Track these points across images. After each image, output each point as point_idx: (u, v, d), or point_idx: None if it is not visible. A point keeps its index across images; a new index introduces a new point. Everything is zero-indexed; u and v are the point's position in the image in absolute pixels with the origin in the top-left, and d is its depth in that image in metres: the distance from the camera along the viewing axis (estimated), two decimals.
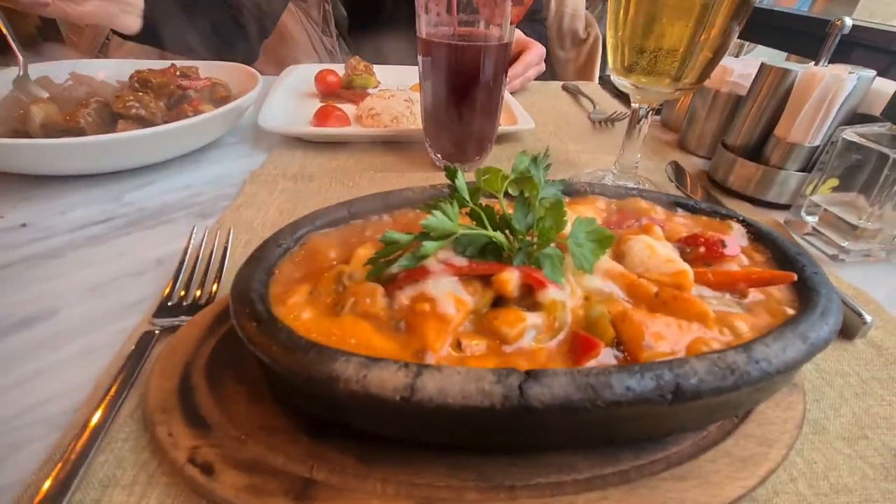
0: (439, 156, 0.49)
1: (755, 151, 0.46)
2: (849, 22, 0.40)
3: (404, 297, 0.21)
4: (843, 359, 0.28)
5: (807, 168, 0.43)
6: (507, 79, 0.73)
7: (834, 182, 0.39)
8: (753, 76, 0.48)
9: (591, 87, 0.83)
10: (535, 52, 0.74)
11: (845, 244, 0.37)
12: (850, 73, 0.39)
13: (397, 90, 0.60)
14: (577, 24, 1.24)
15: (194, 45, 0.75)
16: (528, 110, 0.62)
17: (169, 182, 0.46)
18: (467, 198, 0.24)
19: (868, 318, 0.29)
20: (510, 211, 0.25)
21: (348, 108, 0.63)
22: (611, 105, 0.73)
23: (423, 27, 0.42)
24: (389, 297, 0.22)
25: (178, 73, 0.54)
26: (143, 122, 0.44)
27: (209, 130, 0.48)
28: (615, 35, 0.39)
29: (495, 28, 0.41)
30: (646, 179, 0.49)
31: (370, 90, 0.68)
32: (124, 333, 0.28)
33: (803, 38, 0.62)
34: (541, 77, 0.86)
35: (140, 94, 0.46)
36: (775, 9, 0.68)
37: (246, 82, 0.57)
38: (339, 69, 0.72)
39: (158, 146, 0.44)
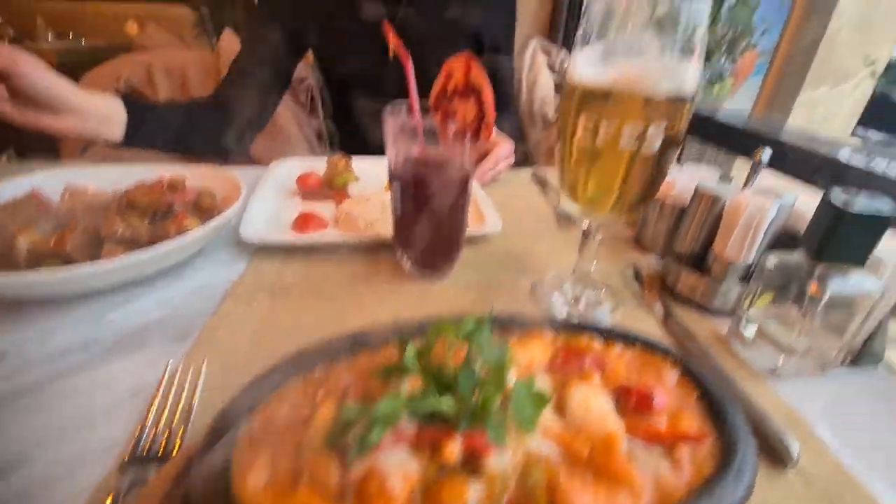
0: (409, 267, 0.53)
1: (700, 260, 0.50)
2: (767, 153, 0.46)
3: (355, 470, 0.23)
4: (774, 490, 0.30)
5: (746, 279, 0.47)
6: (478, 174, 0.79)
7: (769, 296, 0.43)
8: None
9: None
10: (505, 147, 0.81)
11: (780, 360, 0.40)
12: (774, 198, 0.44)
13: (373, 193, 0.64)
14: (546, 109, 1.34)
15: (184, 147, 0.80)
16: (498, 205, 0.67)
17: (151, 298, 0.48)
18: (415, 369, 0.26)
19: (795, 452, 0.31)
20: (462, 360, 0.27)
21: (328, 207, 0.67)
22: None
23: (391, 157, 0.46)
24: (343, 468, 0.24)
25: (166, 186, 0.58)
26: (128, 244, 0.47)
27: (192, 247, 0.50)
28: (560, 164, 0.43)
29: (458, 162, 0.45)
30: (603, 285, 0.53)
31: (350, 185, 0.73)
32: (99, 477, 0.29)
33: (741, 142, 0.69)
34: (518, 154, 0.92)
35: (126, 214, 0.49)
36: (714, 117, 0.75)
37: (231, 189, 0.61)
38: (322, 163, 0.77)
39: (142, 268, 0.47)
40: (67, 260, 0.44)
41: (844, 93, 4.12)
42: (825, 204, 0.36)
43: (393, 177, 0.48)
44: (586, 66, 0.38)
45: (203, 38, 1.87)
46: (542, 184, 0.85)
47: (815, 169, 0.61)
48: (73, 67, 2.86)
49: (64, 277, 0.41)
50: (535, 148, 1.41)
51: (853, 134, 4.55)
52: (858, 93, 4.09)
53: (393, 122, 0.46)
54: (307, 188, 0.69)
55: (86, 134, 0.61)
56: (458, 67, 0.42)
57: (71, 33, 3.11)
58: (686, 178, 0.58)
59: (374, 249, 0.58)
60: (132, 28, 3.56)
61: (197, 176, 0.63)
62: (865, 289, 0.37)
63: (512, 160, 0.83)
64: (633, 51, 0.37)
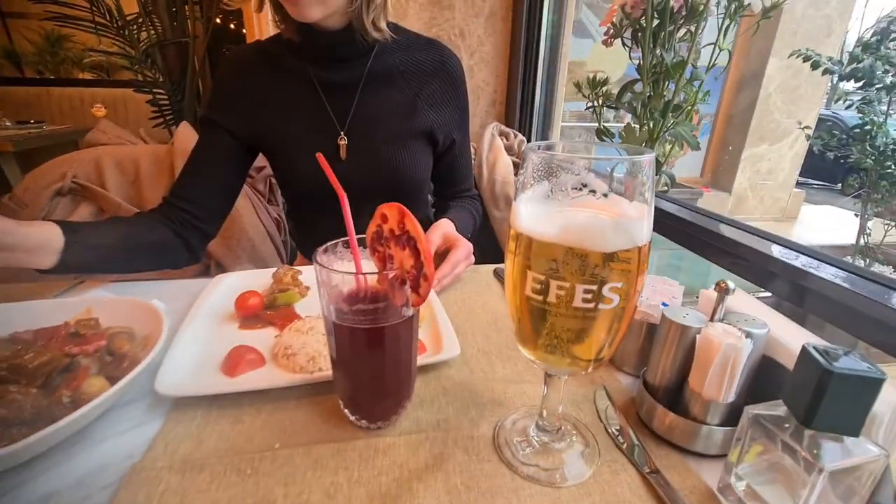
0: (353, 418, 0.46)
1: (675, 396, 0.45)
2: (732, 286, 0.43)
3: None
4: None
5: (729, 422, 0.42)
6: (437, 279, 0.74)
7: (758, 448, 0.38)
8: (661, 306, 0.50)
9: None
10: (463, 250, 0.77)
11: None
12: (745, 338, 0.40)
13: (317, 320, 0.58)
14: (507, 189, 1.35)
15: (129, 268, 0.73)
16: (458, 312, 0.61)
17: (30, 487, 0.39)
18: None
19: None
20: None
21: (269, 336, 0.60)
22: None
23: (324, 300, 0.40)
24: None
25: (71, 331, 0.50)
26: (4, 423, 0.39)
27: (87, 418, 0.42)
28: (511, 312, 0.39)
29: (399, 309, 0.40)
30: (572, 428, 0.47)
31: (295, 305, 0.67)
32: None
33: (687, 235, 0.68)
34: (483, 244, 0.89)
35: (5, 385, 0.41)
36: (666, 209, 0.75)
37: (154, 324, 0.54)
38: (268, 277, 0.71)
39: (17, 457, 0.38)
40: None
41: (784, 149, 4.46)
42: (808, 364, 0.32)
43: (326, 321, 0.42)
44: (530, 215, 0.34)
45: (161, 128, 1.86)
46: (503, 281, 0.81)
47: (766, 275, 0.60)
48: (32, 153, 2.81)
49: None
50: (500, 224, 1.40)
51: (797, 184, 4.87)
52: (797, 148, 4.43)
53: (325, 261, 0.41)
54: (245, 313, 0.63)
55: (13, 265, 0.54)
56: (391, 215, 0.38)
57: (32, 119, 3.08)
58: (651, 292, 0.54)
59: (315, 390, 0.51)
60: (99, 111, 3.56)
61: (113, 309, 0.56)
62: (866, 456, 0.32)
63: (472, 261, 0.80)
64: (580, 192, 0.34)
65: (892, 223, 2.45)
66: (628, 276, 0.33)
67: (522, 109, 1.46)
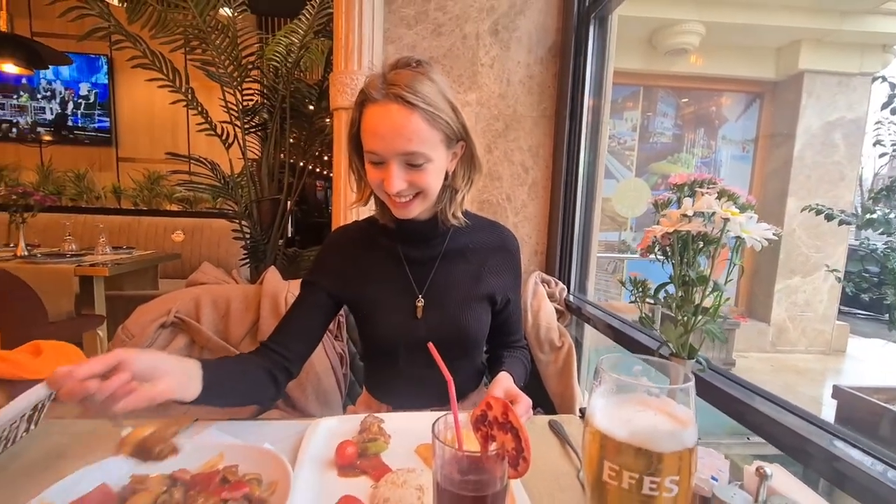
0: None
1: None
2: (769, 471, 0.52)
3: None
4: None
5: None
6: None
7: None
8: (710, 480, 0.58)
9: (574, 425, 0.94)
10: (523, 405, 0.88)
11: None
12: None
13: (409, 474, 0.68)
14: (552, 335, 1.47)
15: (232, 401, 0.87)
16: None
17: None
18: None
19: None
20: None
21: (363, 484, 0.70)
22: None
23: (438, 476, 0.52)
24: None
25: (221, 477, 0.63)
26: None
27: None
28: (589, 493, 0.49)
29: (497, 481, 0.51)
30: None
31: (381, 454, 0.77)
32: None
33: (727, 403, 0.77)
34: (530, 385, 0.98)
35: None
36: (718, 386, 0.85)
37: (274, 470, 0.66)
38: (354, 422, 0.83)
39: None
40: None
41: (817, 281, 4.45)
42: None
43: (437, 487, 0.53)
44: (603, 414, 0.47)
45: (249, 266, 2.19)
46: (559, 435, 0.89)
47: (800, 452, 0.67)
48: (120, 277, 3.18)
49: None
50: (546, 367, 1.49)
51: (840, 313, 4.72)
52: (832, 280, 4.42)
53: (438, 433, 0.54)
54: (343, 461, 0.74)
55: (174, 395, 0.67)
56: (496, 406, 0.51)
57: (125, 245, 3.56)
58: (701, 465, 0.62)
59: None
60: (178, 237, 4.08)
61: (243, 456, 0.68)
62: None
63: (531, 415, 0.89)
64: (641, 392, 0.47)
65: None
66: (683, 470, 0.44)
67: (562, 260, 1.66)
